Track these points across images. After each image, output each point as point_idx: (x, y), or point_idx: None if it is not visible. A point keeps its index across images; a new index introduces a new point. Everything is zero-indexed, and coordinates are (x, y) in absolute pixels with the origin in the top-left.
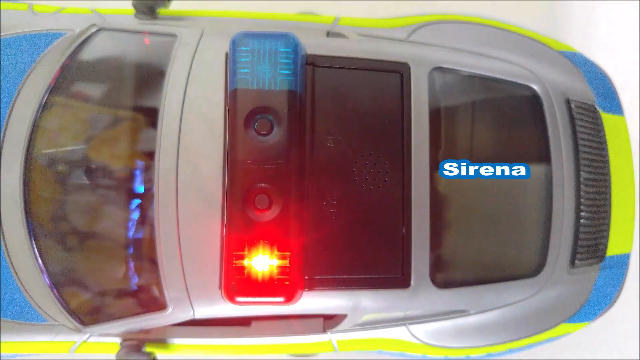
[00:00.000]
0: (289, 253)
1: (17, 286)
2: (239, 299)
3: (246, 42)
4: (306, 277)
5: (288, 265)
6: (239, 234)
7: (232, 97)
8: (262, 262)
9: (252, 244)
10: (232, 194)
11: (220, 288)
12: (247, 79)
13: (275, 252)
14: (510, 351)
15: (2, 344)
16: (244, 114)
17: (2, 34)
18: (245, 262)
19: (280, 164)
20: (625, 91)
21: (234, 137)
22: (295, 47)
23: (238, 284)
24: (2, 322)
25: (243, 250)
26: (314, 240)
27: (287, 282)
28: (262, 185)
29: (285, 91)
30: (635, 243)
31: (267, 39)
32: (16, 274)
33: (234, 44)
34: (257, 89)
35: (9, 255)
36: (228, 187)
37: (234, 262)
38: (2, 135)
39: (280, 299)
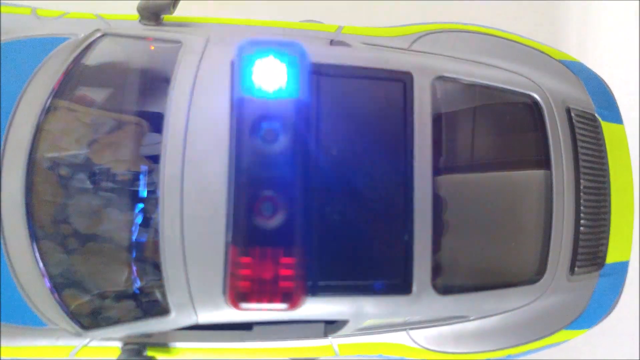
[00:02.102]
0: (294, 260)
1: (17, 290)
2: (244, 305)
3: (253, 49)
4: (309, 283)
5: (293, 272)
6: (244, 241)
7: (238, 104)
8: (267, 268)
9: (257, 250)
10: (238, 200)
11: (224, 294)
12: (253, 86)
13: (281, 259)
14: (509, 357)
15: (1, 349)
16: (250, 121)
17: (5, 37)
18: (250, 269)
19: (286, 172)
20: (623, 96)
21: (240, 144)
22: (302, 55)
23: (243, 290)
24: (2, 327)
25: (248, 257)
26: (317, 246)
27: (292, 289)
28: (268, 192)
29: (292, 99)
30: (634, 251)
31: (274, 46)
32: (17, 277)
33: (241, 51)
34: (264, 96)
35: (9, 258)
36: (234, 193)
37: (239, 268)
38: (4, 138)
39: (285, 306)
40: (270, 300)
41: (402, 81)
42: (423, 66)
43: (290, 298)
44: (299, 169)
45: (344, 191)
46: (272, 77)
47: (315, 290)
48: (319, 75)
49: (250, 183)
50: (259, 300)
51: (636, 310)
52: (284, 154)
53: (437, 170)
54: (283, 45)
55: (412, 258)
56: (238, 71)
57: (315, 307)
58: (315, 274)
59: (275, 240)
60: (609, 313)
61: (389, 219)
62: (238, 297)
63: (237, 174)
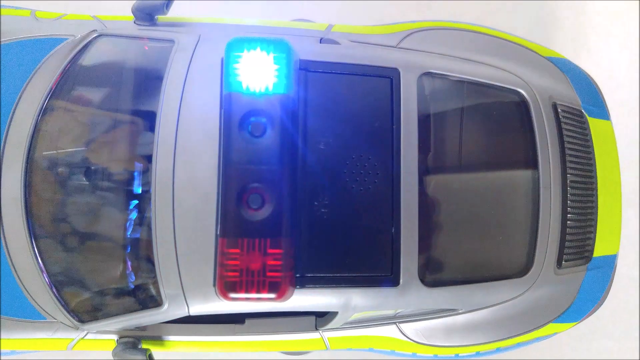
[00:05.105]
0: (281, 251)
1: (17, 284)
2: (232, 295)
3: (241, 47)
4: (298, 275)
5: (280, 263)
6: (233, 232)
7: (227, 100)
8: (255, 259)
9: (245, 242)
10: (226, 193)
11: (214, 285)
12: (241, 82)
13: (268, 250)
14: (499, 350)
15: (1, 341)
16: (238, 116)
17: (4, 38)
18: (239, 260)
19: (273, 165)
20: (613, 94)
21: (228, 138)
22: (289, 51)
23: (231, 281)
24: (1, 320)
25: (236, 248)
26: (306, 239)
27: (279, 280)
28: (255, 185)
29: (279, 95)
30: (634, 248)
31: (261, 43)
32: (16, 272)
33: (229, 48)
34: (251, 92)
35: (9, 254)
36: (222, 186)
37: (228, 259)
38: (3, 137)
39: (272, 296)
40: (258, 290)
41: (389, 77)
42: (410, 62)
43: (278, 288)
44: (286, 162)
45: (332, 184)
46: (259, 74)
47: (304, 281)
48: (307, 72)
49: (238, 176)
50: (247, 290)
51: (636, 309)
52: (271, 148)
53: (423, 164)
54: (270, 42)
55: (399, 250)
56: (227, 67)
57: (303, 299)
58: (303, 265)
59: (262, 232)
60: (598, 306)
61: (376, 212)
62: (227, 287)
63: (226, 168)
